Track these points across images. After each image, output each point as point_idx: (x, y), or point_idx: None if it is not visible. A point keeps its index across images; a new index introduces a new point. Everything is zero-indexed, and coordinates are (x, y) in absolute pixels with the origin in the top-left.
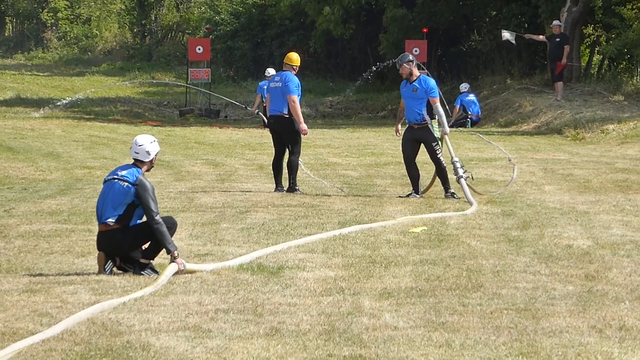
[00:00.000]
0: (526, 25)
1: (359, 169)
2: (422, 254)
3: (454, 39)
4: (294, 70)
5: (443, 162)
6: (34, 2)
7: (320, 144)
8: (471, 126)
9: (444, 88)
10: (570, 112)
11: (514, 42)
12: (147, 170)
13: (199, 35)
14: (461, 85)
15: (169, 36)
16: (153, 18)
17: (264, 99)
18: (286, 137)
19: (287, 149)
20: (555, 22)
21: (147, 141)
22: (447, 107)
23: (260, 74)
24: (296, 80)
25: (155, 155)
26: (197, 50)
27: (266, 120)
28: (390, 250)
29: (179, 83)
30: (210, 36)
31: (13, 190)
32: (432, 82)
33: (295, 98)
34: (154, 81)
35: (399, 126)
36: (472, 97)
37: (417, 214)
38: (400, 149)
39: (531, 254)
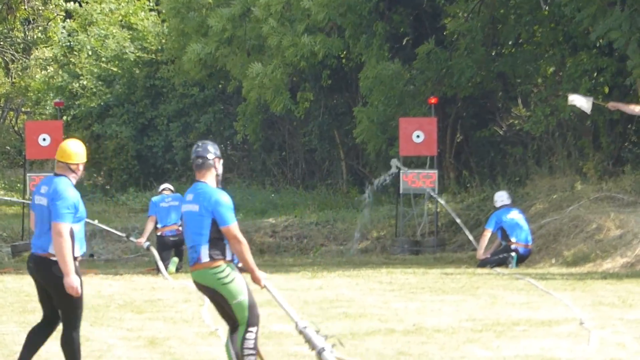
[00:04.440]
0: (606, 89)
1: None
2: None
3: (484, 115)
4: (73, 173)
5: None
6: None
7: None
8: (517, 264)
9: (469, 200)
10: None
11: (589, 112)
12: None
13: (43, 115)
14: (497, 195)
15: None
16: None
17: (159, 224)
18: None
19: None
20: None
21: None
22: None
23: (149, 181)
24: (70, 196)
25: None
26: (41, 142)
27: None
28: None
29: (9, 198)
30: (64, 117)
31: None
32: None
33: (62, 227)
34: None
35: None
36: (516, 214)
37: None
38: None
39: None
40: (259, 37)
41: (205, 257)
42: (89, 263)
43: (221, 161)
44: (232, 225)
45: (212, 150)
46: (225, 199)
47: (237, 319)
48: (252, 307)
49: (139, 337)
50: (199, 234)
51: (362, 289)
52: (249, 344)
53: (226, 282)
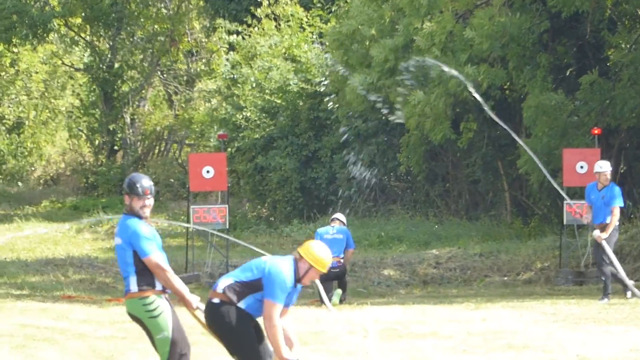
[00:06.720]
0: None
1: None
2: None
3: None
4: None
5: None
6: None
7: (418, 332)
8: None
9: (632, 230)
10: None
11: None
12: None
13: (207, 147)
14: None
15: (156, 150)
16: (128, 120)
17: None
18: None
19: None
20: None
21: None
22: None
23: (312, 213)
24: None
25: None
26: (205, 174)
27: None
28: None
29: (183, 223)
30: (228, 149)
31: None
32: None
33: None
34: None
35: None
36: None
37: None
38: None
39: None
40: (422, 68)
41: (134, 287)
42: None
43: (133, 198)
44: (152, 256)
45: (125, 183)
46: (144, 231)
47: (158, 354)
48: (174, 344)
49: None
50: (126, 265)
51: (526, 320)
52: None
53: (153, 315)
